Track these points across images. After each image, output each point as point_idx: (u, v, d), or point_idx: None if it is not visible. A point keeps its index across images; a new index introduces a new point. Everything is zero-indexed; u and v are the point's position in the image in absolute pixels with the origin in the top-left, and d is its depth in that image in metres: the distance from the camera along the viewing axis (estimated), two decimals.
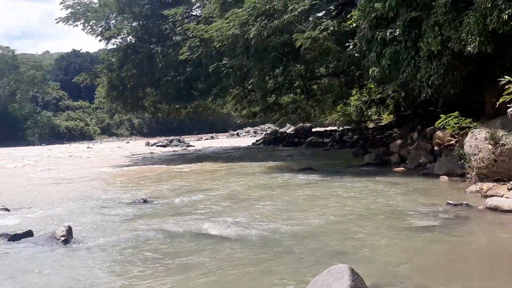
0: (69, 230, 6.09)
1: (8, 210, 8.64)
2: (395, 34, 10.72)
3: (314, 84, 29.30)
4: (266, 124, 54.82)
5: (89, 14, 20.32)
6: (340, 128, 38.48)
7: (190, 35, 17.95)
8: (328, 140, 26.90)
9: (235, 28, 13.61)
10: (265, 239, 5.84)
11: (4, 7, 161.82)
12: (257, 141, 33.75)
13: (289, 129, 46.82)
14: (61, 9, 19.97)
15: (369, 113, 36.95)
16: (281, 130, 47.35)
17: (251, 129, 53.68)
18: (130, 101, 22.80)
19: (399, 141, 15.12)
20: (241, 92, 27.45)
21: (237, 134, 53.02)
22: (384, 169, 12.79)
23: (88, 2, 20.53)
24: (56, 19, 20.23)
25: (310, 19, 12.28)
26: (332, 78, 28.24)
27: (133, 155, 26.19)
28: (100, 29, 20.55)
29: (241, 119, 38.45)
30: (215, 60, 17.61)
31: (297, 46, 12.10)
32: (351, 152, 18.63)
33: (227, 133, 56.95)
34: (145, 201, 9.13)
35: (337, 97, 30.78)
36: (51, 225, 7.10)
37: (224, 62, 16.50)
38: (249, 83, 25.54)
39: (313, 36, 11.76)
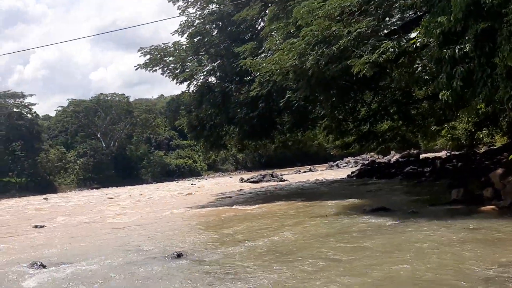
0: None
1: (44, 266, 8.49)
2: (466, 50, 9.01)
3: (412, 109, 27.07)
4: (369, 153, 52.23)
5: (166, 58, 20.96)
6: (447, 154, 35.01)
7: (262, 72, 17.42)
8: (428, 169, 24.31)
9: (294, 59, 12.72)
10: None
11: (121, 58, 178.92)
12: (352, 173, 31.89)
13: (394, 157, 43.98)
14: (140, 56, 20.99)
15: (480, 135, 33.02)
16: (384, 159, 44.64)
17: (351, 159, 51.43)
18: (211, 140, 22.83)
19: (499, 171, 12.66)
20: (331, 123, 25.97)
21: (337, 165, 51.12)
22: (472, 208, 10.70)
23: (164, 47, 21.23)
24: (135, 66, 21.21)
25: (369, 42, 10.94)
26: (432, 100, 25.82)
27: (221, 193, 26.11)
28: (177, 72, 21.05)
29: (334, 150, 36.80)
30: (286, 94, 16.82)
31: (354, 73, 10.80)
32: (447, 184, 16.33)
33: (326, 164, 55.24)
34: (179, 255, 8.44)
35: (440, 120, 28.00)
36: None
37: (288, 95, 15.62)
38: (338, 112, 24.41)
39: (371, 60, 10.41)
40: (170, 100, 24.30)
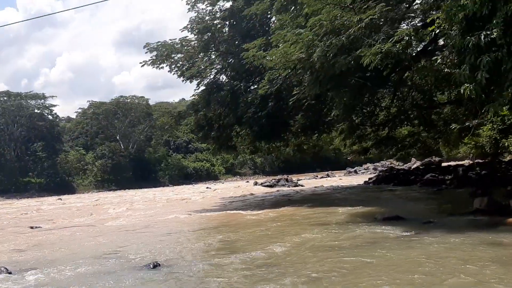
0: None
1: (9, 272, 7.59)
2: (493, 36, 7.79)
3: (433, 114, 25.63)
4: (388, 160, 50.68)
5: (173, 55, 20.10)
6: (470, 163, 33.27)
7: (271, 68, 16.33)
8: (450, 177, 22.82)
9: (301, 52, 11.62)
10: None
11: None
12: (369, 179, 30.49)
13: (414, 164, 42.43)
14: (146, 52, 20.16)
15: (506, 143, 31.21)
16: (404, 166, 43.07)
17: (370, 166, 49.84)
18: (220, 141, 21.83)
19: None
20: (345, 125, 24.74)
21: (355, 171, 49.55)
22: (497, 219, 9.40)
23: (171, 44, 20.37)
24: (140, 63, 20.37)
25: (382, 30, 9.76)
26: (455, 106, 24.40)
27: (230, 197, 25.11)
28: (184, 69, 20.15)
29: (351, 156, 35.40)
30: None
31: (364, 64, 9.62)
32: (469, 192, 14.97)
33: (344, 170, 53.72)
34: (155, 266, 7.42)
35: (463, 127, 26.39)
36: None
37: (296, 92, 14.44)
38: (356, 115, 23.18)
39: (384, 50, 9.23)
40: (190, 104, 23.44)
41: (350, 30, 10.10)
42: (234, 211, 16.37)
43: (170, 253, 8.73)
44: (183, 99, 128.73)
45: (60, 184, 73.05)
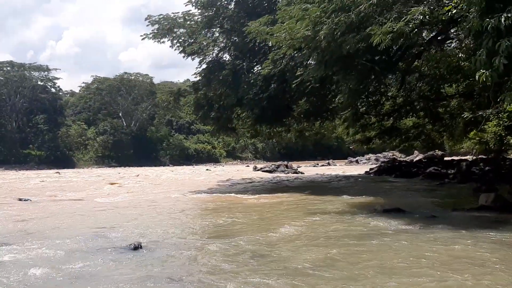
0: None
1: None
2: None
3: (440, 106, 24.98)
4: (391, 152, 50.10)
5: (176, 30, 19.39)
6: (474, 158, 32.65)
7: (275, 47, 15.62)
8: (453, 171, 22.25)
9: (307, 29, 10.95)
10: None
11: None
12: (370, 169, 29.93)
13: (417, 157, 41.84)
14: (147, 25, 19.42)
15: (511, 140, 30.56)
16: (406, 158, 42.51)
17: (372, 156, 49.23)
18: (219, 122, 21.18)
19: None
20: (352, 114, 24.03)
21: (357, 161, 49.01)
22: (505, 217, 8.84)
23: (174, 17, 19.64)
24: (141, 36, 19.62)
25: (395, 8, 9.06)
26: (462, 99, 23.76)
27: (228, 180, 24.62)
28: (185, 44, 19.46)
29: (353, 145, 34.76)
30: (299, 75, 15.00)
31: (374, 44, 8.96)
32: (473, 188, 14.43)
33: (346, 160, 53.19)
34: (136, 248, 6.89)
35: (469, 121, 25.77)
36: None
37: (299, 73, 13.75)
38: (361, 104, 22.56)
39: (395, 29, 8.57)
40: (193, 84, 22.73)
41: (360, 7, 9.42)
42: (231, 194, 15.85)
43: (156, 234, 8.22)
44: (188, 79, 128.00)
45: (60, 158, 72.88)
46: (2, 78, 72.83)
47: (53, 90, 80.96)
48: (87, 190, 19.80)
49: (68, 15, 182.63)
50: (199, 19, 19.61)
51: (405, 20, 8.60)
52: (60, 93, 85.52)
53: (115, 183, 23.30)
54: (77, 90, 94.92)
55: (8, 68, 74.37)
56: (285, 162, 37.09)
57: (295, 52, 12.53)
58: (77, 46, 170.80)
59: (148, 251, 6.78)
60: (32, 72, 76.44)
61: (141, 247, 6.96)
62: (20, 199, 15.46)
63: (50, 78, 79.03)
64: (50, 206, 13.30)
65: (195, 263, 6.05)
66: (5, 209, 12.53)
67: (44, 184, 25.38)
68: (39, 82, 77.72)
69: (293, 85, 15.28)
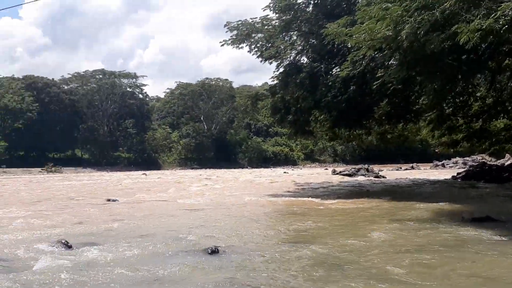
0: None
1: (69, 247, 7.54)
2: None
3: None
4: (480, 155, 47.00)
5: (254, 35, 19.58)
6: None
7: (354, 48, 15.24)
8: None
9: (388, 29, 10.51)
10: None
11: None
12: (457, 174, 28.21)
13: (509, 161, 38.90)
14: (226, 31, 19.83)
15: None
16: (497, 162, 39.63)
17: (459, 160, 46.42)
18: (296, 125, 21.05)
19: None
20: (438, 116, 22.84)
21: (443, 165, 46.46)
22: None
23: (252, 22, 19.83)
24: (220, 42, 20.07)
25: (483, 4, 8.36)
26: None
27: (306, 183, 24.45)
28: (263, 49, 19.58)
29: (439, 148, 32.97)
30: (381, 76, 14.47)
31: (461, 43, 8.35)
32: None
33: (431, 163, 50.65)
34: (213, 252, 6.97)
35: None
36: None
37: (380, 74, 13.22)
38: (447, 105, 21.44)
39: (484, 27, 7.92)
40: (270, 87, 22.94)
41: (445, 4, 8.86)
42: (309, 198, 15.67)
43: (233, 238, 8.27)
44: (266, 83, 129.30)
45: (147, 160, 76.92)
46: (95, 86, 78.32)
47: (140, 96, 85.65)
48: (170, 191, 20.62)
49: (153, 24, 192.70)
50: (277, 23, 19.65)
51: (495, 17, 7.94)
52: (147, 99, 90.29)
53: (196, 185, 24.07)
54: (162, 95, 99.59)
55: (100, 76, 79.81)
56: (366, 166, 36.05)
57: (375, 53, 12.12)
58: (162, 53, 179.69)
59: (224, 255, 6.81)
60: (122, 79, 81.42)
61: (217, 251, 7.01)
62: (108, 200, 16.44)
63: (138, 84, 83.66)
64: (135, 207, 13.96)
65: (273, 271, 5.95)
66: (94, 210, 13.34)
67: (132, 184, 26.88)
68: (128, 89, 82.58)
69: (374, 87, 14.76)
